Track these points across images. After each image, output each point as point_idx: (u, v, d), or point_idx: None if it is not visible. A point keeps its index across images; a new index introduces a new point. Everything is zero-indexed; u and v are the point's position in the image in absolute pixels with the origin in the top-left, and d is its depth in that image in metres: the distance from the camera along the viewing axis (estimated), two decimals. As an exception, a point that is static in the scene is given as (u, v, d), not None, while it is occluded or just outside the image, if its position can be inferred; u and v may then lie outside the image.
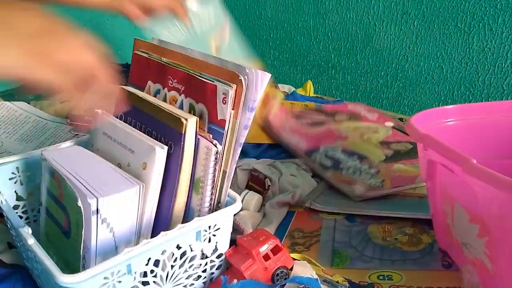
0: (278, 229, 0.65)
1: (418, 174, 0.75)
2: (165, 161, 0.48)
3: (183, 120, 0.47)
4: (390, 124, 0.97)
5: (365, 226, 0.65)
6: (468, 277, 0.50)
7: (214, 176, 0.49)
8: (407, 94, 1.20)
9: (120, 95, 0.53)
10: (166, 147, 0.47)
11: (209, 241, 0.50)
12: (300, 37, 1.40)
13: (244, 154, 0.86)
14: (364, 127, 0.95)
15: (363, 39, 1.25)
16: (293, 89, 1.24)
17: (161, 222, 0.50)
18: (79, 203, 0.42)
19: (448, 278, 0.54)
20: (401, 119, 1.06)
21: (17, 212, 0.56)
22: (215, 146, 0.48)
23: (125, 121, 0.54)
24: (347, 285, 0.53)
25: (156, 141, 0.48)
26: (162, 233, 0.45)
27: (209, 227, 0.49)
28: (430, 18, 1.10)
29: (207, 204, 0.50)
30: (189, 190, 0.50)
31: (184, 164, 0.48)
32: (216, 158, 0.49)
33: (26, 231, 0.44)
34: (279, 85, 1.27)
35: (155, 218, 0.49)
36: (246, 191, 0.70)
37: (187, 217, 0.51)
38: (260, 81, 0.47)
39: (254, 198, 0.68)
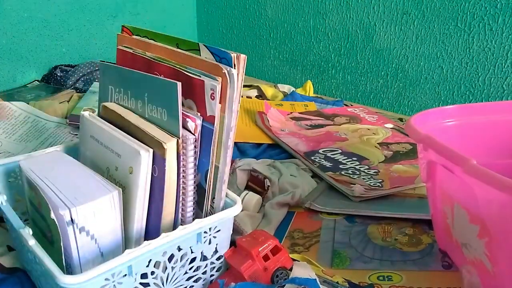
0: (278, 229, 0.65)
1: (418, 174, 0.75)
2: (151, 165, 0.47)
3: (163, 144, 0.45)
4: (389, 125, 0.97)
5: (365, 227, 0.65)
6: (468, 278, 0.50)
7: (195, 170, 0.49)
8: (407, 94, 1.20)
9: (102, 112, 0.52)
10: (151, 150, 0.46)
11: (210, 243, 0.50)
12: (300, 37, 1.40)
13: (243, 154, 0.86)
14: (364, 128, 0.95)
15: (363, 39, 1.25)
16: (292, 89, 1.24)
17: (152, 229, 0.49)
18: (52, 216, 0.42)
19: (448, 278, 0.54)
20: (401, 119, 1.06)
21: (17, 213, 0.56)
22: (192, 132, 0.48)
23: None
24: (347, 285, 0.53)
25: (142, 144, 0.47)
26: (163, 234, 0.45)
27: (210, 229, 0.49)
28: (430, 18, 1.10)
29: (190, 199, 0.50)
30: (176, 202, 0.49)
31: (167, 182, 0.47)
32: (195, 147, 0.48)
33: (27, 232, 0.44)
34: (279, 85, 1.27)
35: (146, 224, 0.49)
36: (246, 191, 0.70)
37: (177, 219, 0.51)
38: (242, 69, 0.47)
39: (254, 198, 0.68)
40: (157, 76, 0.50)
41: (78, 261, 0.44)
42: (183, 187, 0.49)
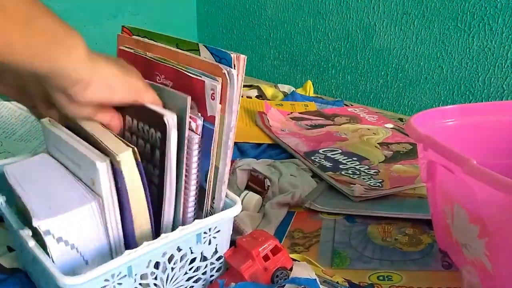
0: (278, 229, 0.65)
1: (418, 174, 0.75)
2: (112, 175, 0.43)
3: (117, 158, 0.42)
4: (389, 125, 0.97)
5: (365, 227, 0.65)
6: (468, 278, 0.50)
7: (198, 170, 0.49)
8: (407, 94, 1.20)
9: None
10: (108, 160, 0.43)
11: (209, 243, 0.50)
12: (300, 37, 1.40)
13: (243, 154, 0.86)
14: (364, 128, 0.95)
15: (363, 39, 1.25)
16: (292, 89, 1.24)
17: (128, 239, 0.47)
18: (34, 224, 0.41)
19: (448, 278, 0.54)
20: (401, 119, 1.06)
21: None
22: (196, 133, 0.47)
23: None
24: (347, 285, 0.53)
25: (100, 154, 0.43)
26: (163, 235, 0.45)
27: (210, 229, 0.49)
28: (430, 18, 1.10)
29: (192, 199, 0.49)
30: (149, 212, 0.47)
31: (131, 192, 0.44)
32: (199, 147, 0.47)
33: (26, 233, 0.44)
34: (279, 85, 1.27)
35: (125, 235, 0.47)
36: (246, 191, 0.70)
37: (178, 218, 0.50)
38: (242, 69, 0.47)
39: (254, 198, 0.68)
40: (168, 88, 0.50)
41: (61, 269, 0.42)
42: (185, 187, 0.49)
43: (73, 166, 0.47)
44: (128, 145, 0.44)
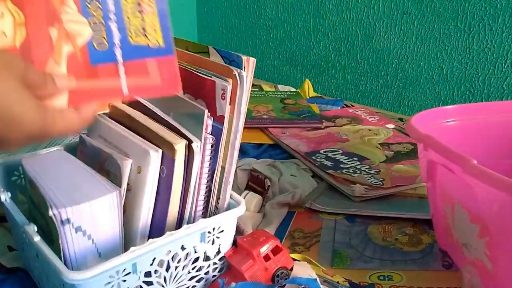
0: (278, 229, 0.65)
1: (419, 174, 0.75)
2: (159, 165, 0.47)
3: (174, 145, 0.46)
4: (390, 126, 0.98)
5: (365, 227, 0.65)
6: (468, 278, 0.50)
7: (209, 170, 0.49)
8: (407, 94, 1.20)
9: (111, 111, 0.52)
10: (160, 151, 0.47)
11: (213, 243, 0.50)
12: (300, 37, 1.40)
13: (244, 154, 0.86)
14: (365, 129, 0.95)
15: (363, 39, 1.25)
16: (292, 89, 1.24)
17: (156, 228, 0.49)
18: (50, 213, 0.42)
19: (449, 278, 0.54)
20: (401, 119, 1.06)
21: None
22: (211, 135, 0.48)
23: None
24: (348, 285, 0.53)
25: (151, 144, 0.47)
26: (168, 233, 0.45)
27: (214, 229, 0.50)
28: (430, 18, 1.10)
29: (202, 198, 0.50)
30: (180, 202, 0.49)
31: (175, 183, 0.47)
32: (212, 146, 0.48)
33: (32, 229, 0.44)
34: (279, 86, 1.27)
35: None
36: (246, 191, 0.70)
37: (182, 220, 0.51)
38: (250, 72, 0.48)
39: (254, 199, 0.68)
40: (187, 99, 0.50)
41: (75, 261, 0.43)
42: (198, 186, 0.49)
43: (119, 155, 0.49)
44: (182, 138, 0.47)
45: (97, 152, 0.51)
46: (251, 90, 1.18)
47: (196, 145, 0.46)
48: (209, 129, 0.49)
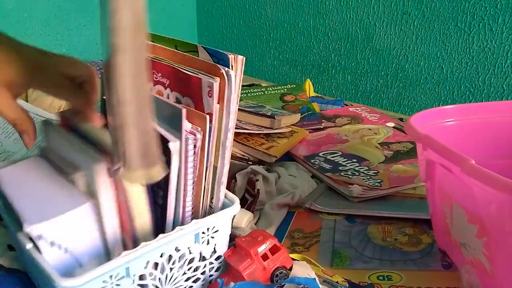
0: (278, 229, 0.65)
1: (417, 174, 0.75)
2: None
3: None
4: (391, 124, 0.97)
5: (365, 227, 0.65)
6: (466, 277, 0.50)
7: (195, 170, 0.49)
8: (407, 94, 1.20)
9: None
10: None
11: (208, 243, 0.50)
12: (300, 37, 1.40)
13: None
14: (365, 129, 0.95)
15: (363, 39, 1.25)
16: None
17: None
18: (24, 230, 0.41)
19: (448, 278, 0.54)
20: (401, 119, 1.06)
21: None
22: (194, 135, 0.47)
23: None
24: (347, 285, 0.53)
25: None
26: (160, 235, 0.45)
27: (208, 229, 0.49)
28: (430, 18, 1.10)
29: (189, 199, 0.49)
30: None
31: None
32: (194, 146, 0.47)
33: (24, 236, 0.44)
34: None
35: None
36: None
37: (177, 219, 0.51)
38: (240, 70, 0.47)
39: (246, 215, 0.64)
40: (163, 99, 0.49)
41: (55, 273, 0.42)
42: (184, 187, 0.49)
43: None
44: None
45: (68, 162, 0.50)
46: (251, 91, 1.18)
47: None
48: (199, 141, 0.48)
